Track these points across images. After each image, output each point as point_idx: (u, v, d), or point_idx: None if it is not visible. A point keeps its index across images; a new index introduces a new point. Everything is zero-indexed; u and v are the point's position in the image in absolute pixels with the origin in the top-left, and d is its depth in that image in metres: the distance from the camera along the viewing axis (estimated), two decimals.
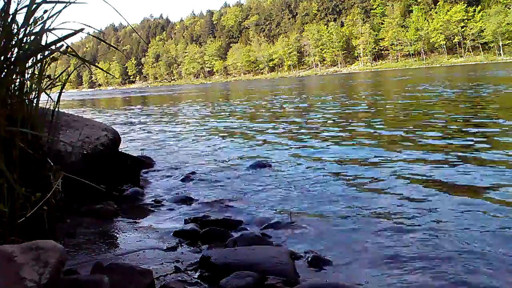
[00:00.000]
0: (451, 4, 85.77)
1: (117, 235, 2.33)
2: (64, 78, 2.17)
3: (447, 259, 1.85)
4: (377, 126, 6.28)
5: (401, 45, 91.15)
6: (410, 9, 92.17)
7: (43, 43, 1.92)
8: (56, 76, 2.12)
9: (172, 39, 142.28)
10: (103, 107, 19.80)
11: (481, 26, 78.59)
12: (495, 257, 1.85)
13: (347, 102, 11.30)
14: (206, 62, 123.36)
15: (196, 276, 1.76)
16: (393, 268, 1.81)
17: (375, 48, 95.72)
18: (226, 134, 6.67)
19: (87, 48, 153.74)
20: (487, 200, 2.61)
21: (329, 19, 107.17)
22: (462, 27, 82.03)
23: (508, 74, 20.43)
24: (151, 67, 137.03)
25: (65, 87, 2.16)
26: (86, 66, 2.01)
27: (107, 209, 2.67)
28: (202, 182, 3.51)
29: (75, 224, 2.38)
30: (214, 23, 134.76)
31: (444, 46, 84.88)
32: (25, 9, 1.81)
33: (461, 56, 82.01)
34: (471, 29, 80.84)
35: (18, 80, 1.91)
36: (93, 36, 2.06)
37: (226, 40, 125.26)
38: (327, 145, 4.92)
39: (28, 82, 1.95)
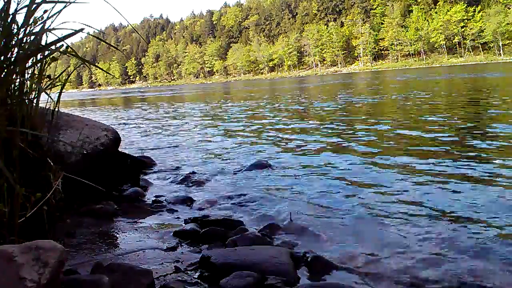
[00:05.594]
0: (451, 4, 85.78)
1: (117, 235, 2.33)
2: (64, 78, 2.17)
3: (451, 261, 1.85)
4: (379, 127, 6.27)
5: (401, 45, 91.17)
6: (410, 9, 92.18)
7: (43, 43, 1.92)
8: (56, 76, 2.12)
9: (172, 39, 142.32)
10: (103, 107, 19.79)
11: (481, 26, 78.62)
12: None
13: (347, 102, 11.29)
14: (206, 62, 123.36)
15: (196, 276, 1.76)
16: (394, 269, 1.80)
17: (375, 48, 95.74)
18: (226, 135, 6.68)
19: (87, 48, 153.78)
20: None
21: (329, 19, 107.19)
22: (462, 27, 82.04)
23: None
24: (151, 67, 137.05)
25: (65, 87, 2.17)
26: (86, 66, 2.01)
27: (107, 209, 2.66)
28: (202, 182, 3.51)
29: (75, 224, 2.38)
30: (214, 23, 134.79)
31: (444, 46, 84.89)
32: (25, 9, 1.81)
33: (461, 56, 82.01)
34: (471, 29, 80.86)
35: (18, 80, 1.91)
36: (93, 36, 2.06)
37: (226, 40, 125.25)
38: (328, 146, 4.92)
39: (28, 82, 1.95)
